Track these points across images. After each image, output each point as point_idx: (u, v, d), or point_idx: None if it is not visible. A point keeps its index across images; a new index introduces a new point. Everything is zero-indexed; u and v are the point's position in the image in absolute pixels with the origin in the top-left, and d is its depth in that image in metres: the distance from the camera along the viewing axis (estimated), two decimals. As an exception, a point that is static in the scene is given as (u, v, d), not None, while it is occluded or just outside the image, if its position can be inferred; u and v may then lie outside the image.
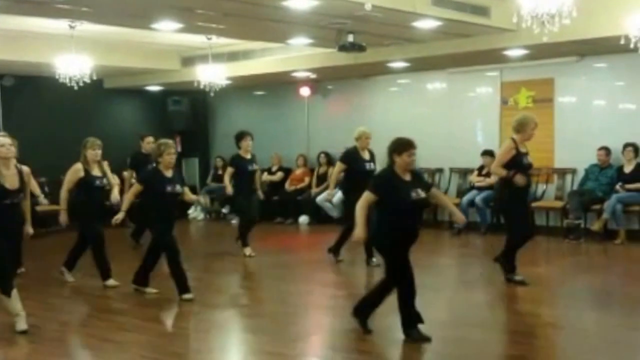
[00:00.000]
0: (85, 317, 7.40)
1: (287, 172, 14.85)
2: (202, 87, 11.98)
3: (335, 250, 9.73)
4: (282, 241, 10.70)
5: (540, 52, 10.85)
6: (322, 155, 14.36)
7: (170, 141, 7.83)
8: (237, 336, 6.69)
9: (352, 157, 9.50)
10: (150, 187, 7.63)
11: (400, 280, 5.97)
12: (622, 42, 8.12)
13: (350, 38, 9.88)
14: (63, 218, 8.45)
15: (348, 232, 9.20)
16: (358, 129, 9.74)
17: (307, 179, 14.46)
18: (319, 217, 13.91)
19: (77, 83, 10.52)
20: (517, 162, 7.77)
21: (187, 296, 7.61)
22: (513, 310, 7.33)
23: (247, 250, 10.25)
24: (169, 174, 7.66)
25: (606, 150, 11.18)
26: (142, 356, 5.98)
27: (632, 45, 8.12)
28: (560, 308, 7.31)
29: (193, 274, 9.68)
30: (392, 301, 7.61)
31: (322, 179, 14.21)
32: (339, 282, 8.91)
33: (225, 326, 7.01)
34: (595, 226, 10.90)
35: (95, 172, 8.47)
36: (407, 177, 5.88)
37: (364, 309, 6.21)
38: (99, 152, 8.49)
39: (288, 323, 6.71)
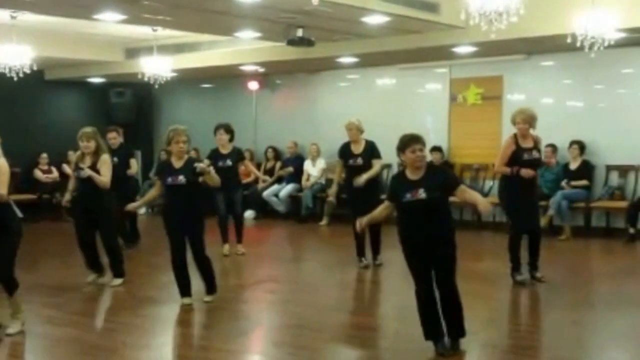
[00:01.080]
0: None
1: (234, 166, 14.68)
2: (146, 79, 11.74)
3: (373, 254, 8.90)
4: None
5: (489, 49, 10.90)
6: (270, 149, 14.24)
7: (181, 128, 7.07)
8: (179, 332, 6.53)
9: (341, 152, 9.00)
10: (160, 180, 7.11)
11: (416, 285, 5.50)
12: (569, 40, 8.18)
13: (300, 32, 9.79)
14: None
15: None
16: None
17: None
18: (266, 211, 13.80)
19: (17, 74, 10.24)
20: (516, 158, 7.54)
21: (207, 298, 7.16)
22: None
23: (225, 249, 9.83)
24: (178, 164, 6.93)
25: (552, 147, 11.27)
26: (77, 352, 5.81)
27: (578, 44, 8.18)
28: (502, 303, 7.33)
29: (137, 269, 9.52)
30: (345, 297, 7.58)
31: (269, 173, 14.09)
32: (281, 277, 8.82)
33: (166, 321, 6.84)
34: (541, 222, 10.97)
35: (82, 163, 7.87)
36: (416, 176, 5.34)
37: (425, 329, 5.55)
38: (87, 144, 7.80)
39: (230, 318, 6.59)
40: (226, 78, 14.90)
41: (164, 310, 7.15)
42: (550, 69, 11.82)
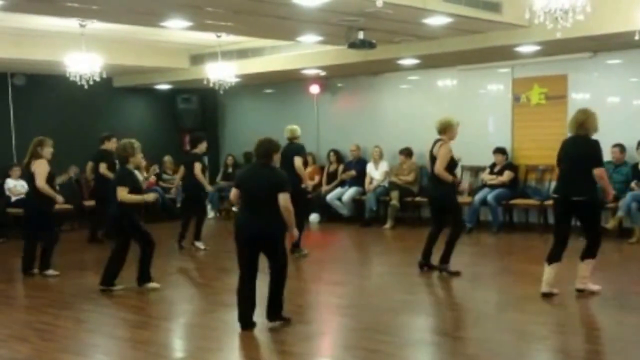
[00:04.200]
0: (95, 314, 7.37)
1: (297, 170, 14.76)
2: (211, 85, 11.95)
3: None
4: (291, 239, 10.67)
5: (553, 48, 10.75)
6: (332, 153, 14.30)
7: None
8: (249, 335, 6.63)
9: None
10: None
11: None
12: (637, 37, 8.03)
13: (361, 35, 9.82)
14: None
15: None
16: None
17: (316, 177, 14.38)
18: (329, 215, 13.86)
19: (87, 81, 10.55)
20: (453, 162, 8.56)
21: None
22: (519, 309, 7.22)
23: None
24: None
25: (620, 147, 11.05)
26: (151, 353, 5.96)
27: (646, 41, 8.02)
28: (573, 307, 7.22)
29: (206, 272, 9.71)
30: (413, 301, 7.58)
31: (332, 177, 14.16)
32: (347, 280, 8.84)
33: (236, 325, 6.95)
34: (610, 224, 10.74)
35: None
36: None
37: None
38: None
39: (298, 322, 6.65)
40: (288, 82, 15.03)
41: (234, 313, 7.26)
42: (617, 67, 11.58)
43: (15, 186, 12.63)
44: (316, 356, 5.96)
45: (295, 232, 6.52)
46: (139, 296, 7.90)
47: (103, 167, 11.48)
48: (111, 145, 11.71)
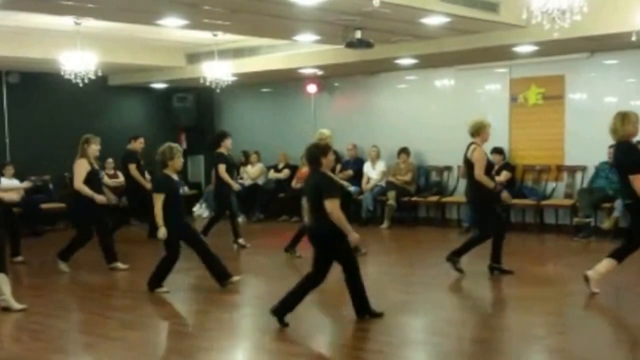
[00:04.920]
0: (89, 314, 7.32)
1: (294, 169, 14.73)
2: (207, 83, 11.90)
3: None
4: (287, 239, 10.62)
5: (550, 48, 10.74)
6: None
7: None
8: (246, 335, 6.61)
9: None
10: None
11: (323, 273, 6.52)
12: (634, 38, 8.02)
13: (358, 34, 9.81)
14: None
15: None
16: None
17: (314, 177, 14.32)
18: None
19: (82, 80, 10.49)
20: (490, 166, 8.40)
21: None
22: (519, 309, 7.20)
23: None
24: (175, 177, 7.97)
25: (617, 147, 11.03)
26: (147, 354, 5.93)
27: (644, 41, 8.01)
28: (573, 307, 7.20)
29: (200, 272, 9.65)
30: (412, 301, 7.55)
31: (329, 176, 14.09)
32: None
33: (233, 325, 6.93)
34: (606, 224, 10.74)
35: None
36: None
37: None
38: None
39: (298, 321, 6.61)
40: (285, 81, 14.99)
41: (234, 314, 7.24)
42: (614, 68, 11.57)
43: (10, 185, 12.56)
44: (316, 356, 5.92)
45: (354, 236, 6.41)
46: (134, 296, 7.85)
47: (132, 168, 11.78)
48: (137, 145, 12.00)
